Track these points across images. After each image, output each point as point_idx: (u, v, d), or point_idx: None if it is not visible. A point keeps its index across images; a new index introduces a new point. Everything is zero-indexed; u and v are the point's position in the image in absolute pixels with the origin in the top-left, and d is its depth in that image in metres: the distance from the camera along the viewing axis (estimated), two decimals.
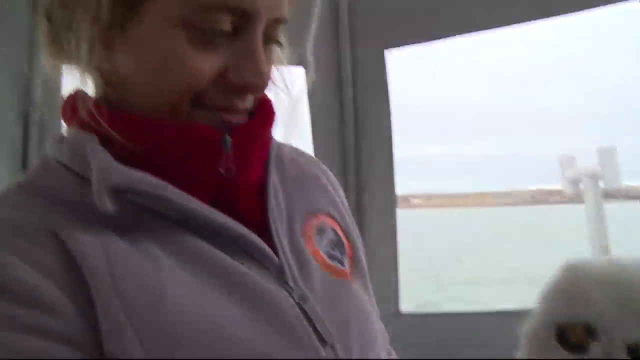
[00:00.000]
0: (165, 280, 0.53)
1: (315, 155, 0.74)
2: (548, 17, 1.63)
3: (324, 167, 0.80)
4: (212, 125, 0.59)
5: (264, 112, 0.65)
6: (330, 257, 0.67)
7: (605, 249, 3.33)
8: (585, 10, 1.58)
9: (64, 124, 0.64)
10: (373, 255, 1.89)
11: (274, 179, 0.68)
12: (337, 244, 0.70)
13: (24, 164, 1.74)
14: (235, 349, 0.53)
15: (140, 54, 0.58)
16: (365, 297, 0.71)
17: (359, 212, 1.89)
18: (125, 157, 0.57)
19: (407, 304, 2.14)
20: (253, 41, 0.58)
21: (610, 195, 3.38)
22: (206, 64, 0.56)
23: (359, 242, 0.75)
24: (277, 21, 0.60)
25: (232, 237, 0.59)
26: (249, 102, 0.62)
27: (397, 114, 1.90)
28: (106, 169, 0.55)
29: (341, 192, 0.79)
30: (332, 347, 0.60)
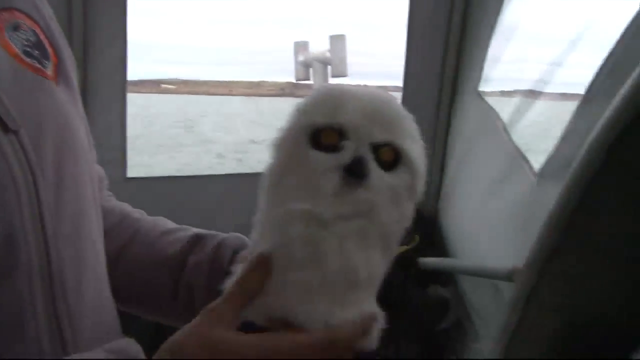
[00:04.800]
0: None
1: None
2: None
3: None
4: None
5: None
6: (27, 54, 0.62)
7: None
8: None
9: None
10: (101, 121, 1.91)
11: None
12: (38, 46, 0.65)
13: None
14: None
15: None
16: (70, 106, 0.67)
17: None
18: None
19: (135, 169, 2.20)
20: None
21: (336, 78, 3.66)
22: None
23: (69, 61, 0.70)
24: None
25: None
26: None
27: None
28: None
29: (51, 12, 0.73)
30: (16, 134, 0.57)
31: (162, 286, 0.77)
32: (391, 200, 0.55)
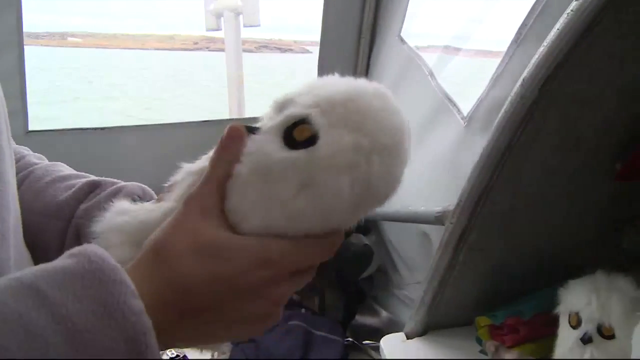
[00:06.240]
0: None
1: None
2: None
3: None
4: None
5: None
6: None
7: (240, 77, 3.59)
8: None
9: None
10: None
11: None
12: None
13: None
14: None
15: None
16: None
17: None
18: None
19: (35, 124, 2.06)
20: None
21: (248, 27, 3.60)
22: None
23: None
24: None
25: None
26: None
27: None
28: None
29: None
30: None
31: (49, 236, 0.67)
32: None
